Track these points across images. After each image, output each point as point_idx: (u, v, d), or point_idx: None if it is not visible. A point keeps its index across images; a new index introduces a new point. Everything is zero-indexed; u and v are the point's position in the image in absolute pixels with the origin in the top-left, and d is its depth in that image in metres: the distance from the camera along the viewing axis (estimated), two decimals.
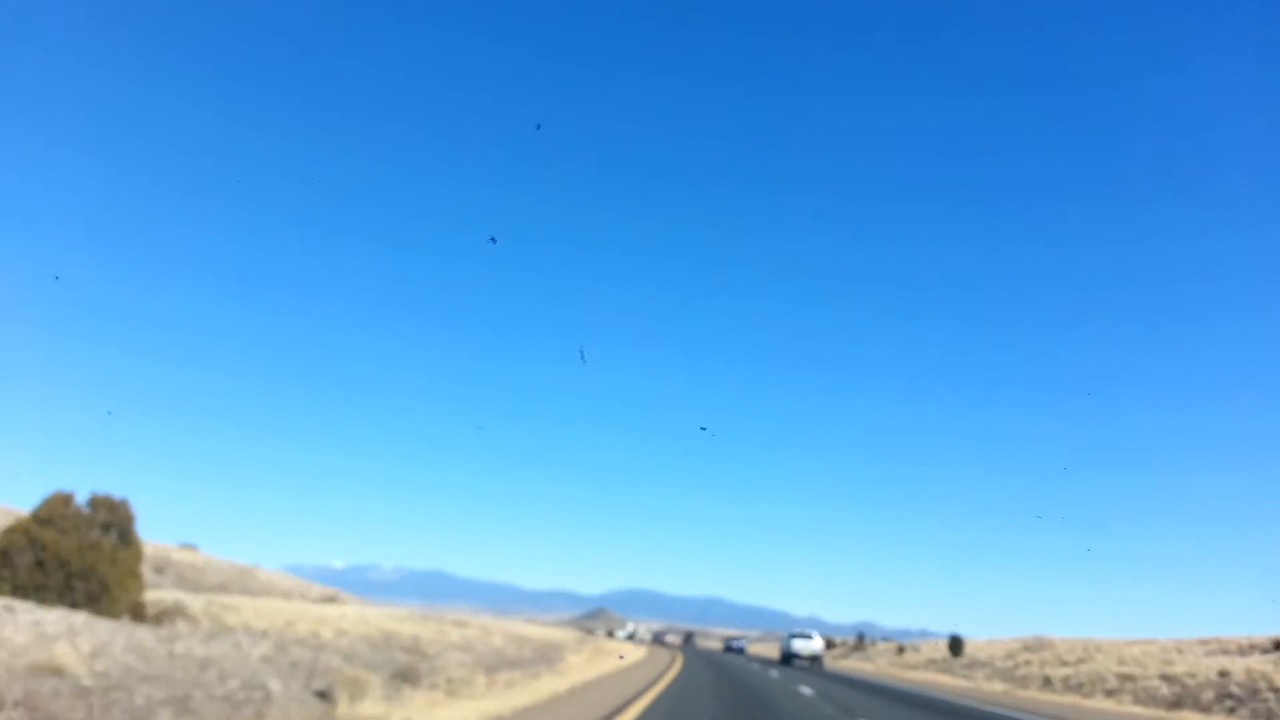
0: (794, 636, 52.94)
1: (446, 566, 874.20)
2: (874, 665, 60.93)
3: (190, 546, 68.71)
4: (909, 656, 62.13)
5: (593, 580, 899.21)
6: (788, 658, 51.67)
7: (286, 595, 62.44)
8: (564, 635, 51.38)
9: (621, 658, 37.02)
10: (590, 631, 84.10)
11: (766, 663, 52.79)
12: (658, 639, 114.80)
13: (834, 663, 61.45)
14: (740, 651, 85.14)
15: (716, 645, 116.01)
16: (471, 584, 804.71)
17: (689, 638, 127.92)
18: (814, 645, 51.51)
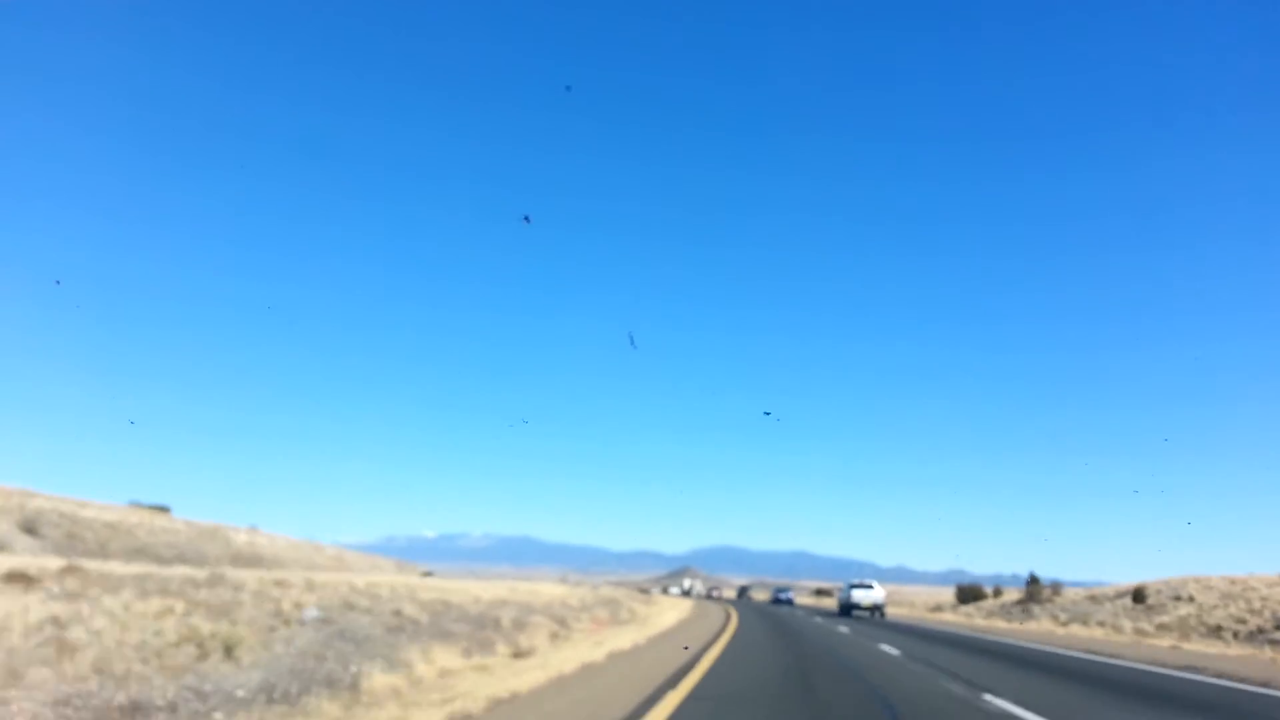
0: (854, 586, 50.89)
1: (534, 532, 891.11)
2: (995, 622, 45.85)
3: (253, 528, 71.86)
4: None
5: (678, 539, 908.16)
6: (847, 609, 49.93)
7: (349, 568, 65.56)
8: (598, 596, 45.39)
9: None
10: (646, 591, 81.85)
11: (828, 615, 49.88)
12: (710, 595, 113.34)
13: (989, 622, 45.85)
14: (789, 603, 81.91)
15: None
16: (558, 547, 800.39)
17: (743, 591, 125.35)
18: (875, 595, 49.36)
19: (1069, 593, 51.47)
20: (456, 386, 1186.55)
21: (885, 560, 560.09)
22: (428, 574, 62.88)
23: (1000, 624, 43.31)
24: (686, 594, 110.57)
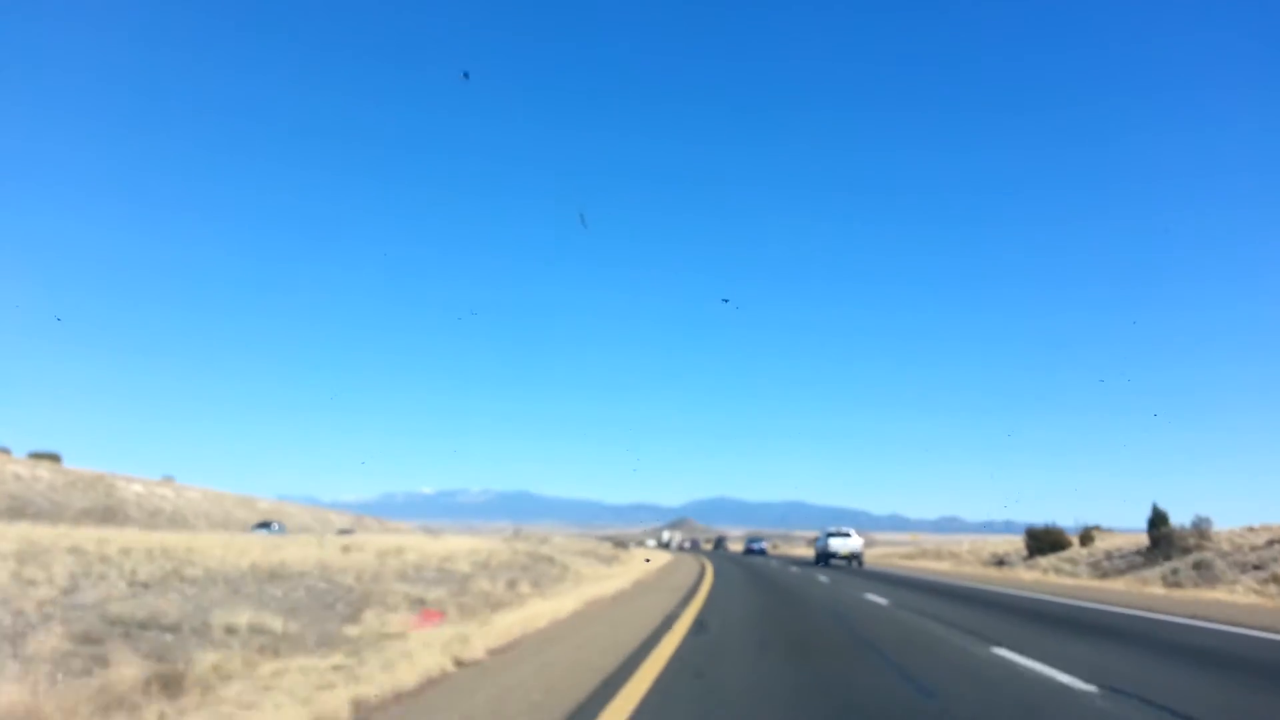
0: (830, 535, 48.41)
1: (531, 487, 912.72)
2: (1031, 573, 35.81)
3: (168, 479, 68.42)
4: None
5: (675, 492, 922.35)
6: (824, 558, 47.20)
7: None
8: (523, 554, 32.38)
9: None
10: (624, 545, 73.29)
11: (803, 564, 47.38)
12: (691, 546, 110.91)
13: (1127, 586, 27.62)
14: (761, 553, 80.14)
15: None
16: (556, 502, 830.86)
17: (719, 543, 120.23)
18: (852, 543, 46.84)
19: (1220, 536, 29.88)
20: (454, 346, 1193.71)
21: (879, 509, 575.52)
22: (345, 531, 57.49)
23: (1155, 590, 24.52)
24: (665, 546, 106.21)
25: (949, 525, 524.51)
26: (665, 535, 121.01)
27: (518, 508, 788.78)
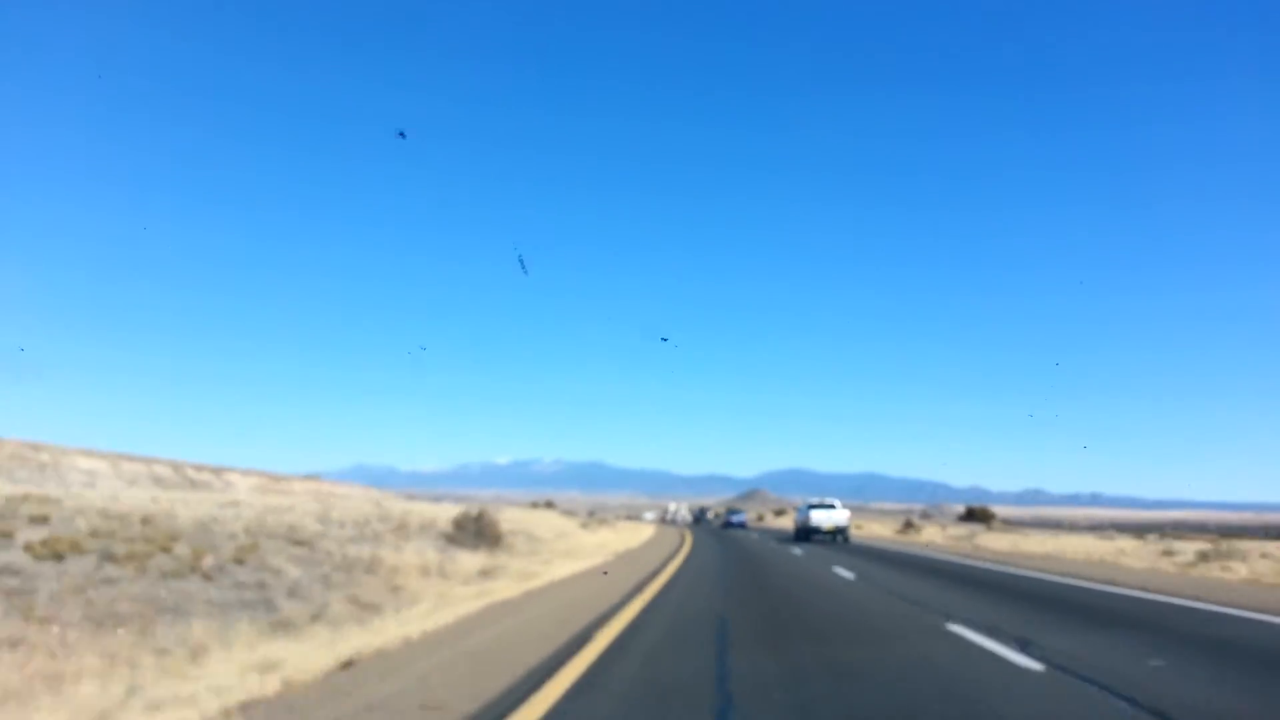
0: (812, 507, 41.11)
1: (604, 457, 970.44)
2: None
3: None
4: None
5: (747, 463, 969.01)
6: (805, 533, 39.86)
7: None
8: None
9: None
10: (603, 521, 64.47)
11: (783, 539, 42.17)
12: (700, 518, 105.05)
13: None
14: (741, 526, 75.04)
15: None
16: (628, 472, 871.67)
17: (700, 515, 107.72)
18: (837, 516, 39.77)
19: None
20: (529, 318, 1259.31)
21: (958, 481, 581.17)
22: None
23: None
24: (672, 521, 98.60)
25: (1032, 498, 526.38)
26: (673, 508, 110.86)
27: (590, 477, 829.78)
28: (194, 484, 51.51)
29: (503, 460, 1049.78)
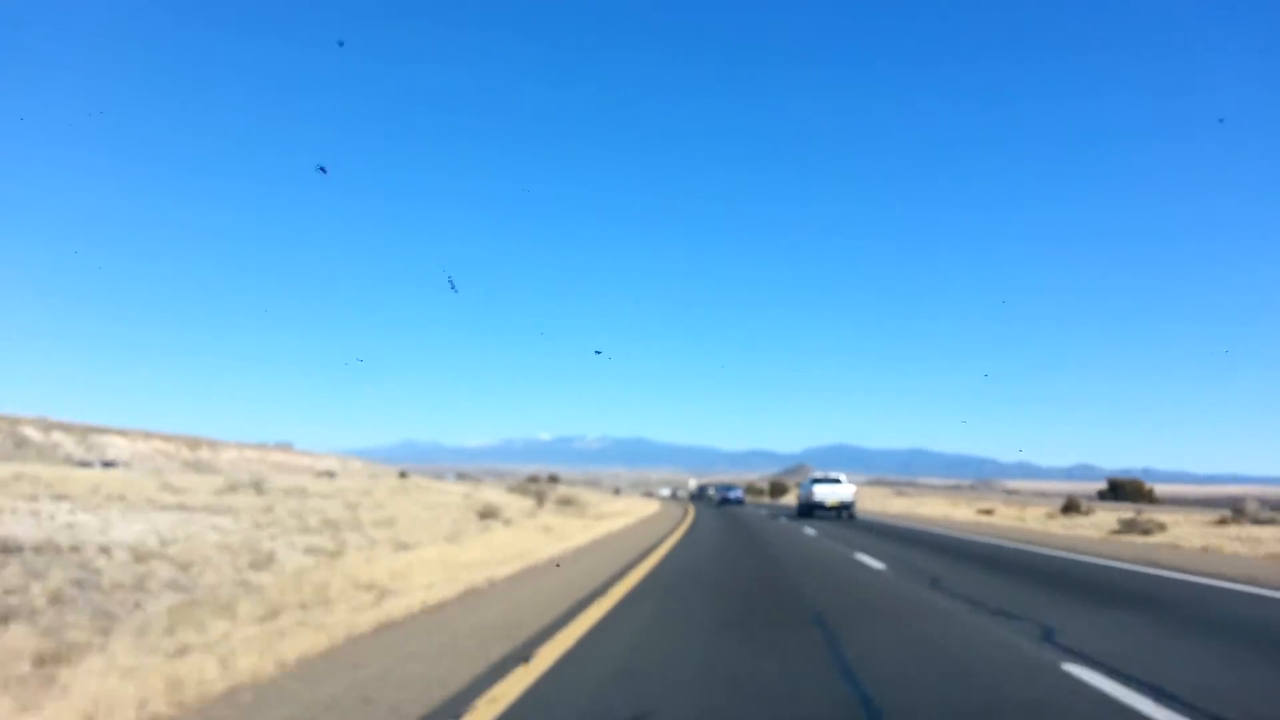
0: (816, 481, 39.18)
1: (648, 433, 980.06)
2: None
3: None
4: None
5: (792, 438, 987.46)
6: (808, 509, 38.13)
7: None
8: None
9: None
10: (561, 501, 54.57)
11: (790, 516, 39.24)
12: (699, 494, 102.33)
13: None
14: (738, 502, 70.68)
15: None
16: (671, 448, 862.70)
17: (701, 491, 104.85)
18: (842, 491, 37.57)
19: None
20: (572, 294, 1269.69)
21: (1006, 456, 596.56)
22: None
23: None
24: (696, 496, 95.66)
25: (1082, 473, 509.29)
26: (693, 484, 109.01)
27: (634, 453, 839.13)
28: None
29: (546, 436, 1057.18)
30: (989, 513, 43.51)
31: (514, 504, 30.59)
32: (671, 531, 24.78)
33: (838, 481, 38.83)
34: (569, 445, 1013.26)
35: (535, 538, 18.23)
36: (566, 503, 35.09)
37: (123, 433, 57.51)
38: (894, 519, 38.50)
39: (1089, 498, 50.76)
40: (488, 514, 23.54)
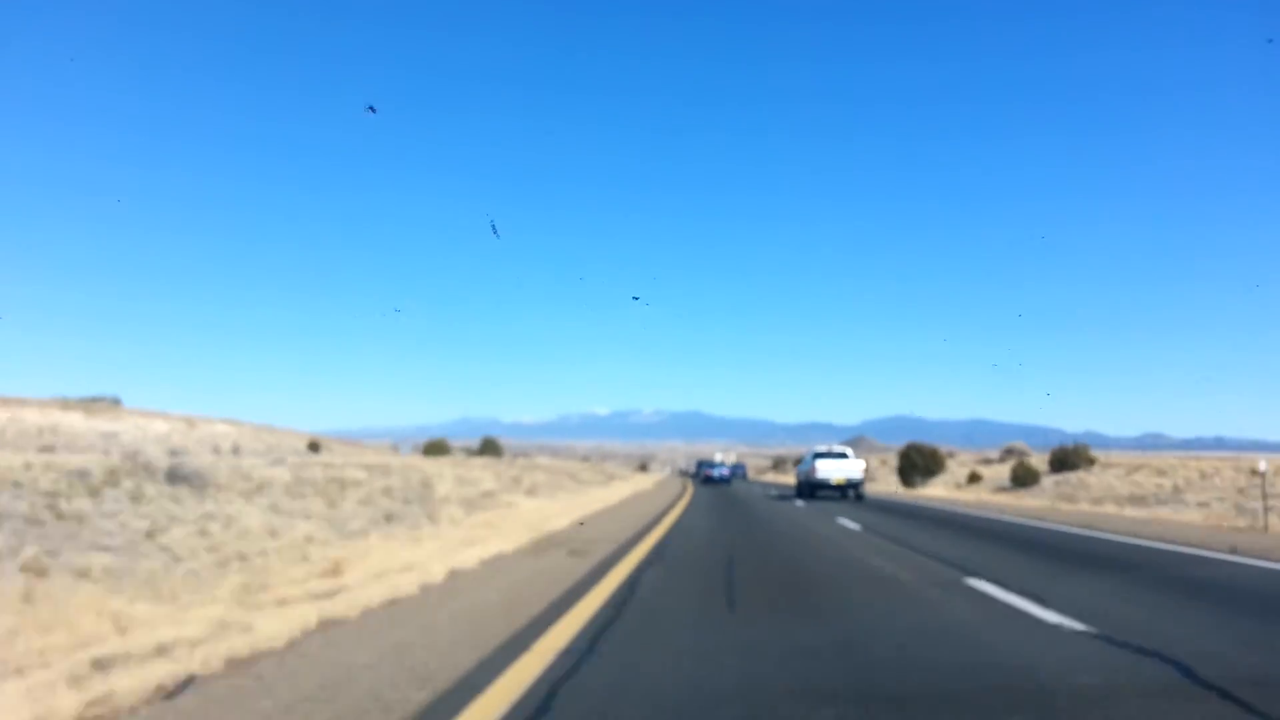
0: (819, 455, 34.42)
1: (704, 406, 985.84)
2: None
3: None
4: None
5: (850, 410, 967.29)
6: (809, 488, 33.70)
7: None
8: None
9: None
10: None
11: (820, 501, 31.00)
12: (696, 471, 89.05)
13: None
14: (724, 480, 61.57)
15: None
16: (727, 421, 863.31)
17: (699, 469, 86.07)
18: (849, 468, 33.02)
19: None
20: (628, 268, 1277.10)
21: (1072, 425, 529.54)
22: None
23: None
24: (710, 476, 69.94)
25: (1152, 443, 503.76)
26: (718, 457, 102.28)
27: (690, 427, 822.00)
28: None
29: (603, 411, 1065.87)
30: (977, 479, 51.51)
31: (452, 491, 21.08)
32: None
33: (844, 456, 34.15)
34: (625, 420, 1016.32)
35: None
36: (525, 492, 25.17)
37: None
38: (893, 498, 36.60)
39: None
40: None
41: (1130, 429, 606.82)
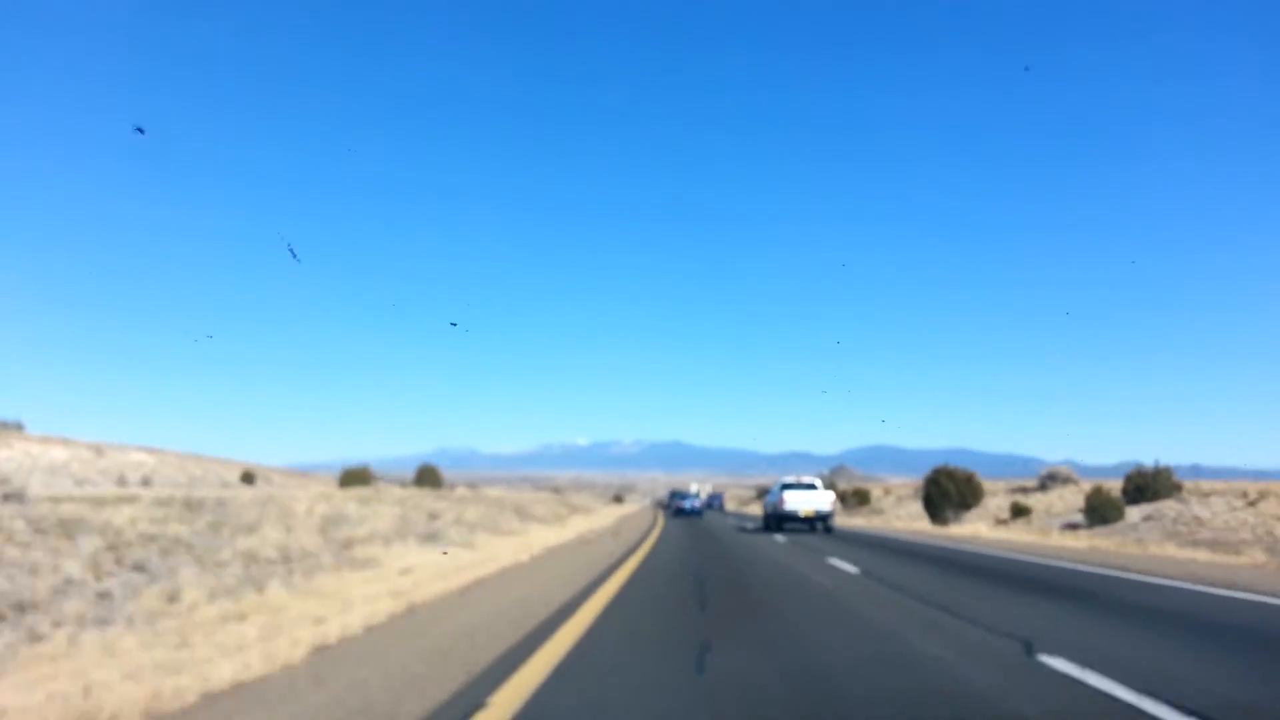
0: (786, 487, 33.30)
1: (684, 436, 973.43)
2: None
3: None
4: None
5: (830, 440, 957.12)
6: (777, 519, 32.59)
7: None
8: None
9: None
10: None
11: (756, 529, 33.33)
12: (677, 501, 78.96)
13: None
14: (696, 513, 59.62)
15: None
16: (708, 451, 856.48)
17: (672, 499, 79.12)
18: (818, 499, 32.04)
19: None
20: (608, 299, 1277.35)
21: (1050, 455, 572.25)
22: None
23: None
24: (682, 508, 65.23)
25: (1128, 471, 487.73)
26: (694, 488, 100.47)
27: (670, 457, 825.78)
28: None
29: (583, 441, 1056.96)
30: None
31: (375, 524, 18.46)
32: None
33: (813, 488, 33.15)
34: (606, 450, 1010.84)
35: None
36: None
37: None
38: (858, 529, 35.69)
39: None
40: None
41: (1108, 458, 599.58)
